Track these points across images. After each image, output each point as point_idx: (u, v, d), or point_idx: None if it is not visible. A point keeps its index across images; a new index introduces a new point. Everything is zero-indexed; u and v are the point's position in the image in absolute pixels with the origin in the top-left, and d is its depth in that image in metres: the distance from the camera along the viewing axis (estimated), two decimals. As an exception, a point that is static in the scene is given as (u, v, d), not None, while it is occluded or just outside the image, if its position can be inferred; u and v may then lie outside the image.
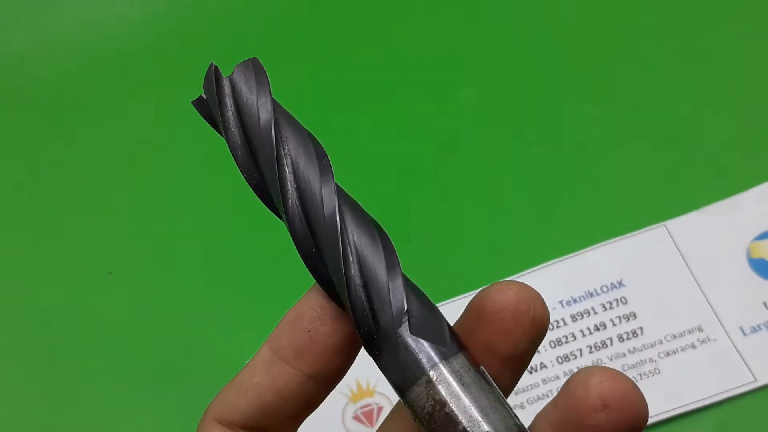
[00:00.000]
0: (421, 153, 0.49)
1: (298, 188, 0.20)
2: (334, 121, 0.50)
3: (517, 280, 0.43)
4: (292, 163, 0.21)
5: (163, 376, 0.43)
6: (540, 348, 0.41)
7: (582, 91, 0.50)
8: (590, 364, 0.41)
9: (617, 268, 0.43)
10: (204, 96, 0.22)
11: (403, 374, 0.20)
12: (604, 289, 0.43)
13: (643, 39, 0.51)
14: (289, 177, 0.21)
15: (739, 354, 0.40)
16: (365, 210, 0.21)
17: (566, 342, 0.41)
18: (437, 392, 0.19)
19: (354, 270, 0.20)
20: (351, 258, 0.20)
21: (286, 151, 0.21)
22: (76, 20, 0.58)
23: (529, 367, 0.41)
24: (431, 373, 0.19)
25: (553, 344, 0.41)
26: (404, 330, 0.20)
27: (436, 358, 0.19)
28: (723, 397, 0.39)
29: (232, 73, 0.22)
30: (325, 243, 0.20)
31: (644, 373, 0.40)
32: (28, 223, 0.50)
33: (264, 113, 0.21)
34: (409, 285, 0.21)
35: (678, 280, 0.42)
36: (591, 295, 0.42)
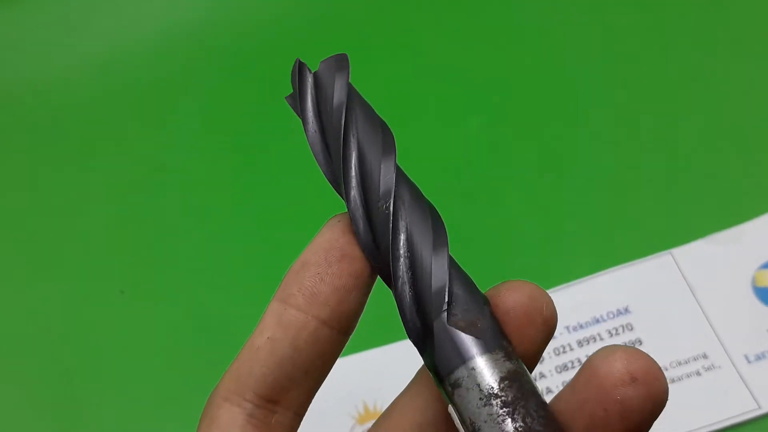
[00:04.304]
0: (428, 180, 0.49)
1: (360, 164, 0.21)
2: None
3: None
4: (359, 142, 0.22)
5: (175, 395, 0.44)
6: (546, 372, 0.42)
7: (589, 119, 0.50)
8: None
9: (623, 294, 0.43)
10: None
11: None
12: (611, 315, 0.43)
13: (650, 69, 0.52)
14: (353, 158, 0.22)
15: (744, 381, 0.40)
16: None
17: (572, 367, 0.42)
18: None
19: (403, 252, 0.20)
20: (400, 238, 0.20)
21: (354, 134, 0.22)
22: (97, 47, 0.59)
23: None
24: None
25: (559, 369, 0.42)
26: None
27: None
28: (727, 425, 0.39)
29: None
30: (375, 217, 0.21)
31: (649, 400, 0.40)
32: (41, 243, 0.50)
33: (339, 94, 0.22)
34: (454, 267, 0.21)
35: (683, 307, 0.42)
36: (597, 321, 0.43)
